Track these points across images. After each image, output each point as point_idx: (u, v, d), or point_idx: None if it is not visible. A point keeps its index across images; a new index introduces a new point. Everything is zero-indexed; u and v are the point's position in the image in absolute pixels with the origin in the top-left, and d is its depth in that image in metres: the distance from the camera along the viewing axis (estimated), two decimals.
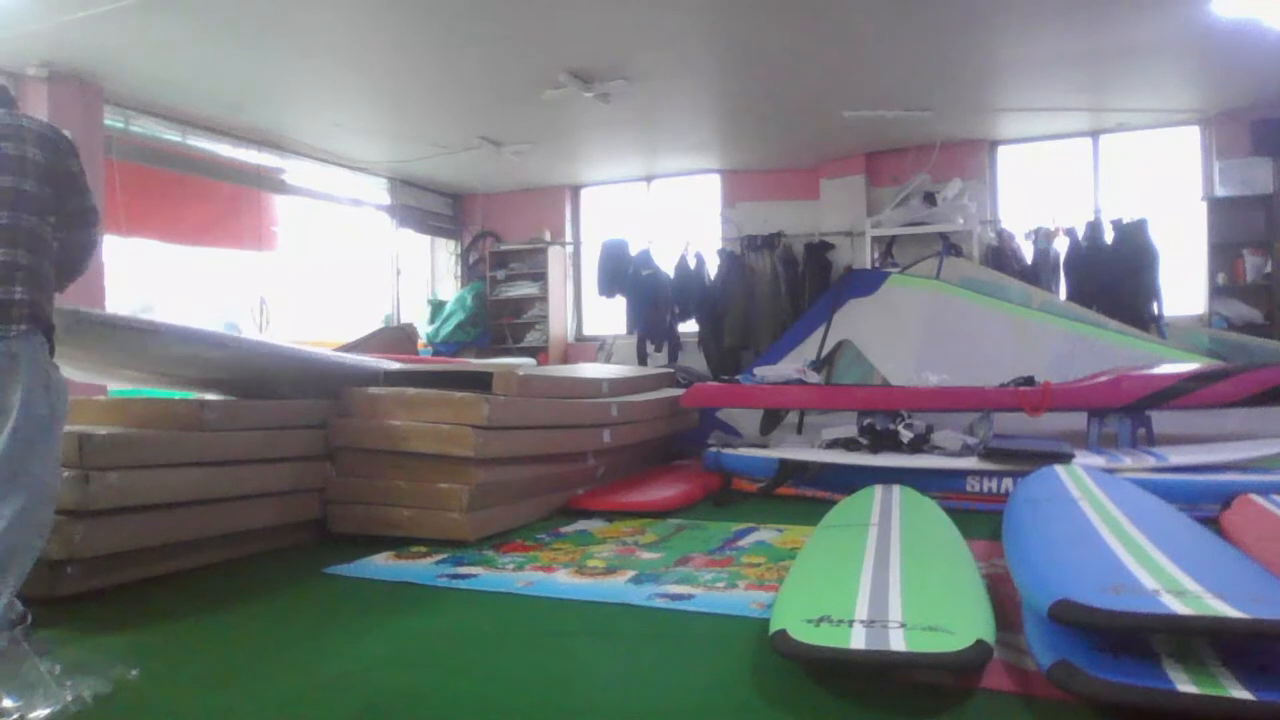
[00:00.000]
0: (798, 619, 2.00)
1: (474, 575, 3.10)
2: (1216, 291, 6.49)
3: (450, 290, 9.08)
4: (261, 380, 3.82)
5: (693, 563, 3.21)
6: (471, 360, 7.00)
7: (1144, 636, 1.78)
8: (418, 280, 8.99)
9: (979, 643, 1.82)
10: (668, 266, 7.88)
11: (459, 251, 9.25)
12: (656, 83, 5.75)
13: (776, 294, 7.61)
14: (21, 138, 2.27)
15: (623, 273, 7.90)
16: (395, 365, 4.31)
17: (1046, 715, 1.78)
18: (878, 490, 3.81)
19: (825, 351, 6.03)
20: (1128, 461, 4.07)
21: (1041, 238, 6.86)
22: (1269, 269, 6.34)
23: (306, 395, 3.91)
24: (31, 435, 2.17)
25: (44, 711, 1.86)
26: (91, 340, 3.04)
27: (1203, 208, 6.58)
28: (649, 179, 8.60)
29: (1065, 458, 4.03)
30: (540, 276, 8.73)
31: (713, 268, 7.81)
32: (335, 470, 3.84)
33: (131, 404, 3.59)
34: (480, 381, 3.96)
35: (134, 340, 3.14)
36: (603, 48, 5.21)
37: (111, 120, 5.75)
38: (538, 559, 3.33)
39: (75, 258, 2.47)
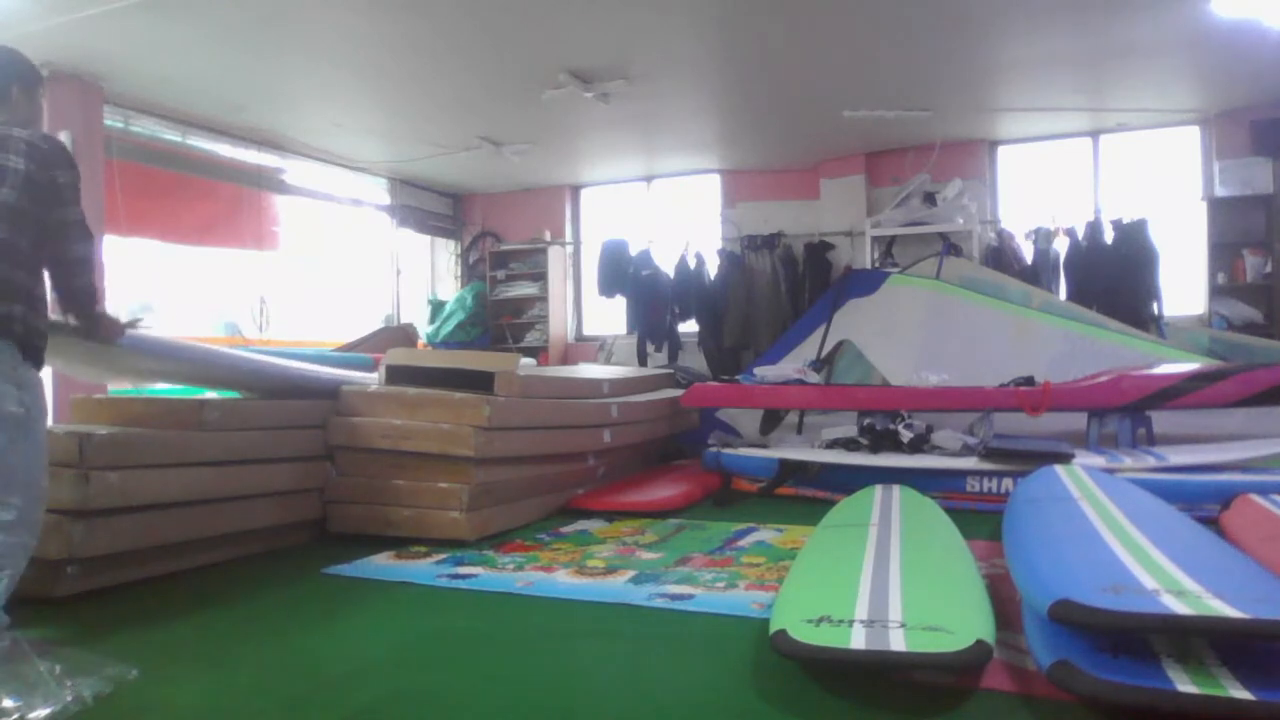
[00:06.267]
0: (798, 619, 2.00)
1: (474, 575, 3.10)
2: (1216, 291, 6.48)
3: (450, 290, 9.08)
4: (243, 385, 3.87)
5: (693, 563, 3.21)
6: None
7: (1144, 636, 1.78)
8: (418, 280, 8.98)
9: (979, 643, 1.82)
10: (668, 266, 7.87)
11: (459, 251, 9.25)
12: (656, 83, 5.75)
13: (776, 294, 7.61)
14: (5, 147, 2.25)
15: (623, 273, 7.90)
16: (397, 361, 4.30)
17: (1046, 715, 1.78)
18: (878, 490, 3.81)
19: (825, 351, 6.03)
20: (1128, 461, 4.07)
21: (1041, 238, 6.85)
22: (1269, 269, 6.33)
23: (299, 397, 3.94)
24: (10, 434, 2.17)
25: (44, 711, 1.86)
26: (65, 348, 2.99)
27: (1203, 208, 6.58)
28: (649, 179, 8.59)
29: (1065, 458, 4.03)
30: (540, 276, 8.72)
31: (713, 268, 7.80)
32: (335, 470, 3.84)
33: (131, 404, 3.59)
34: (481, 381, 3.96)
35: (105, 350, 3.10)
36: (603, 48, 5.20)
37: (111, 120, 5.75)
38: (538, 559, 3.33)
39: (63, 273, 2.36)
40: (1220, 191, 6.47)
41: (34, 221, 2.27)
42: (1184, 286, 6.72)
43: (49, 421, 2.42)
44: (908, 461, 4.44)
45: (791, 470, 4.61)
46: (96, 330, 2.57)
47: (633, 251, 7.94)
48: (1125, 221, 6.59)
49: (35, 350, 2.27)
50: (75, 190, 2.37)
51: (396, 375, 4.15)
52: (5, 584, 2.16)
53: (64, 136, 5.20)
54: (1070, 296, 6.52)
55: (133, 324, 2.87)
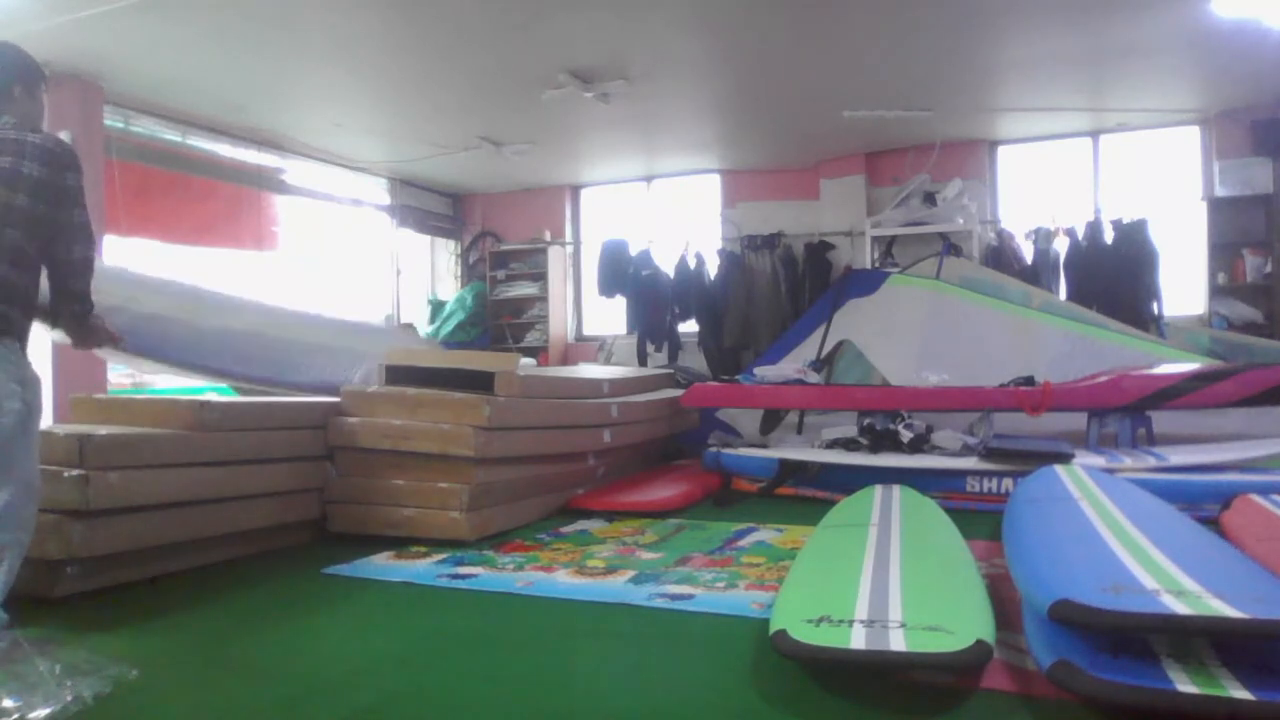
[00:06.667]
0: (798, 619, 2.00)
1: (474, 575, 3.10)
2: (1216, 291, 6.49)
3: (450, 290, 9.08)
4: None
5: (693, 563, 3.21)
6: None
7: (1144, 636, 1.78)
8: (418, 280, 8.98)
9: (979, 643, 1.82)
10: (668, 266, 7.87)
11: (459, 251, 9.25)
12: (656, 83, 5.75)
13: (776, 294, 7.61)
14: (20, 152, 2.27)
15: (623, 273, 7.90)
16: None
17: (1046, 715, 1.78)
18: (878, 490, 3.81)
19: (825, 351, 6.03)
20: (1128, 461, 4.07)
21: (1041, 238, 6.86)
22: (1269, 269, 6.33)
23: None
24: (9, 431, 2.20)
25: (44, 711, 1.86)
26: None
27: (1203, 208, 6.58)
28: (649, 179, 8.59)
29: (1065, 458, 4.03)
30: (540, 276, 8.72)
31: (713, 268, 7.80)
32: (335, 470, 3.84)
33: (131, 404, 3.60)
34: (481, 381, 3.96)
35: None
36: (603, 48, 5.20)
37: (111, 120, 5.75)
38: (538, 559, 3.33)
39: (61, 273, 2.38)
40: (1220, 191, 6.48)
41: (42, 224, 2.30)
42: (1184, 286, 6.72)
43: (49, 421, 2.43)
44: (908, 461, 4.44)
45: (791, 470, 4.60)
46: (87, 339, 2.59)
47: (633, 251, 7.95)
48: (1125, 221, 6.59)
49: (26, 344, 2.33)
50: (81, 192, 2.41)
51: (396, 375, 4.15)
52: (2, 578, 2.17)
53: (64, 136, 5.20)
54: (1070, 296, 6.52)
55: (116, 342, 2.86)
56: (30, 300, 2.31)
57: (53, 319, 2.47)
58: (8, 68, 2.45)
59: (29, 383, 2.28)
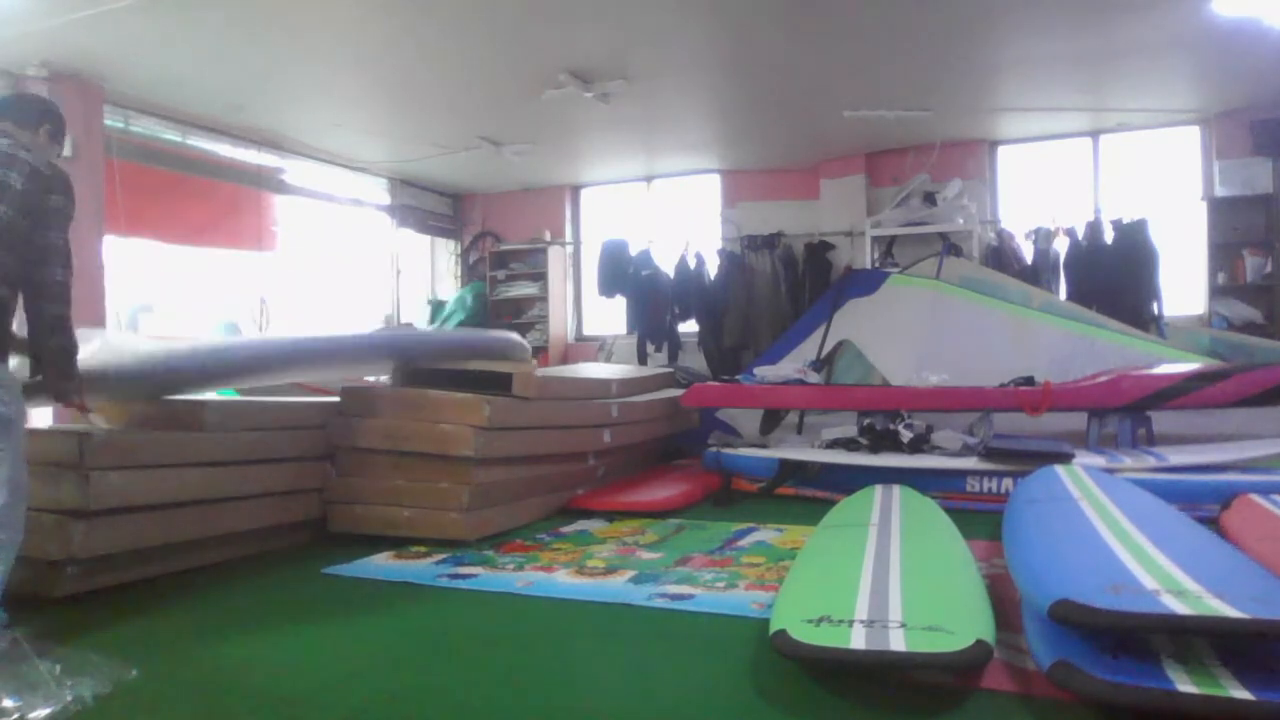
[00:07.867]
0: (798, 619, 2.00)
1: (474, 575, 3.10)
2: (1216, 291, 6.49)
3: (450, 290, 9.08)
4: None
5: (693, 563, 3.21)
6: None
7: (1144, 636, 1.78)
8: (417, 280, 8.98)
9: (979, 643, 1.82)
10: (668, 266, 7.87)
11: (459, 251, 9.25)
12: (656, 83, 5.75)
13: (776, 294, 7.61)
14: (9, 165, 2.31)
15: (623, 273, 7.90)
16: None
17: (1046, 715, 1.78)
18: (878, 490, 3.81)
19: (825, 351, 6.03)
20: (1128, 461, 4.07)
21: (1041, 238, 6.85)
22: (1269, 269, 6.33)
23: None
24: None
25: (44, 711, 1.86)
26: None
27: (1203, 208, 6.58)
28: (649, 179, 8.59)
29: (1065, 458, 4.03)
30: (540, 276, 8.72)
31: (713, 268, 7.80)
32: (335, 470, 3.84)
33: (132, 404, 3.59)
34: (497, 381, 3.96)
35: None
36: (603, 48, 5.20)
37: (111, 120, 5.74)
38: (538, 559, 3.33)
39: (44, 297, 2.40)
40: (1220, 191, 6.47)
41: (21, 240, 2.33)
42: (1184, 286, 6.72)
43: (49, 421, 2.43)
44: (908, 461, 4.43)
45: (791, 470, 4.60)
46: (68, 387, 2.57)
47: (633, 251, 7.94)
48: (1125, 221, 6.58)
49: (4, 352, 2.34)
50: (66, 218, 2.44)
51: (409, 376, 4.15)
52: None
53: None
54: (1070, 296, 6.52)
55: (83, 407, 2.83)
56: (7, 310, 2.32)
57: (36, 360, 2.47)
58: (46, 112, 2.59)
59: (6, 384, 2.30)
